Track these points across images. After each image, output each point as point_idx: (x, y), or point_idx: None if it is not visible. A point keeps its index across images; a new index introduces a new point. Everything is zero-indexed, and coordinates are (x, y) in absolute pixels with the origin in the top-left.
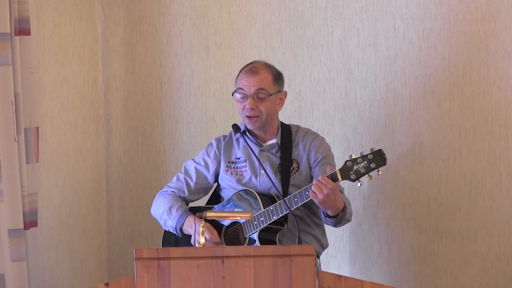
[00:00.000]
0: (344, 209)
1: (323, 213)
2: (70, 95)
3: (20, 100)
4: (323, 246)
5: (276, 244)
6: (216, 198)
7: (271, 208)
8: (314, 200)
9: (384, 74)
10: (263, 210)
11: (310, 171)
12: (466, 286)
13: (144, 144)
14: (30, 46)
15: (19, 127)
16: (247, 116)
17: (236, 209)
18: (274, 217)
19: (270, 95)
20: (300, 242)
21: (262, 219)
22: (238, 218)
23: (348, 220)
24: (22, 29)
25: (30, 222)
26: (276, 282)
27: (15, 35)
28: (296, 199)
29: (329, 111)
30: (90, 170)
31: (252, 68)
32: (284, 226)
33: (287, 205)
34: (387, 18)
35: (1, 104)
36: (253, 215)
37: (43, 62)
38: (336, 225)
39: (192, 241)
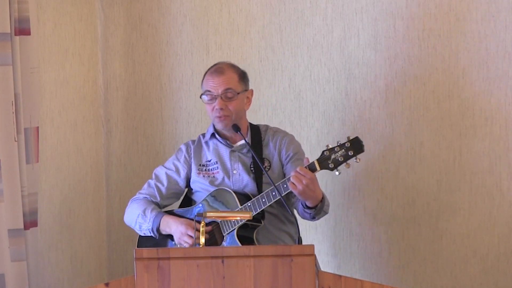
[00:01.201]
0: (322, 199)
1: (302, 204)
2: (70, 95)
3: (20, 100)
4: (296, 242)
5: (253, 241)
6: (187, 202)
7: (249, 204)
8: (293, 191)
9: (384, 74)
10: (240, 207)
11: (282, 168)
12: (466, 286)
13: (144, 144)
14: (30, 46)
15: (19, 127)
16: (217, 117)
17: (211, 209)
18: (238, 217)
19: (238, 93)
20: (300, 243)
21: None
22: (238, 218)
23: (326, 212)
24: (22, 29)
25: (30, 222)
26: (276, 282)
27: (15, 35)
28: (274, 193)
29: (329, 111)
30: (90, 170)
31: (217, 69)
32: (261, 222)
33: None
34: (387, 18)
35: (1, 104)
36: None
37: (43, 62)
38: (314, 216)
39: (176, 241)
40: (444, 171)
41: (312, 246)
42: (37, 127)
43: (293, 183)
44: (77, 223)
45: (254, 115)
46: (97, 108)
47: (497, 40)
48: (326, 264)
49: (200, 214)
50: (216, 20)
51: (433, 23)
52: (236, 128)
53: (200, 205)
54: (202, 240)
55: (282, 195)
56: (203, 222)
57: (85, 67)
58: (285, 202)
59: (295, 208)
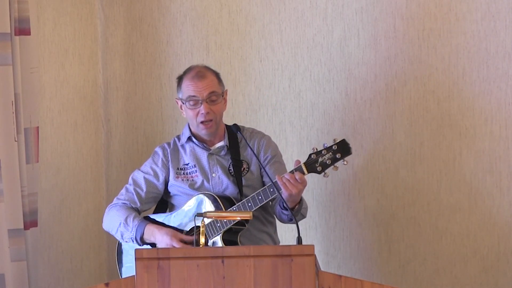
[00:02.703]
0: (300, 201)
1: (280, 206)
2: (70, 95)
3: (20, 100)
4: (276, 242)
5: (238, 244)
6: (162, 206)
7: (234, 208)
8: (285, 193)
9: (384, 74)
10: (224, 211)
11: (260, 170)
12: (466, 286)
13: (144, 144)
14: (30, 46)
15: (19, 127)
16: (203, 122)
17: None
18: (238, 218)
19: (222, 95)
20: (300, 243)
21: (225, 220)
22: (238, 218)
23: (304, 215)
24: (22, 29)
25: (30, 222)
26: (276, 282)
27: (15, 35)
28: (260, 197)
29: (329, 111)
30: (90, 170)
31: (198, 73)
32: (245, 226)
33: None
34: (387, 18)
35: (1, 104)
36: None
37: (43, 62)
38: (291, 219)
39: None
40: (444, 171)
41: (312, 246)
42: (37, 127)
43: (287, 187)
44: (77, 223)
45: (254, 115)
46: (97, 108)
47: (497, 40)
48: (326, 264)
49: (200, 214)
50: (216, 20)
51: (433, 23)
52: (236, 128)
53: (183, 210)
54: (202, 240)
55: (268, 199)
56: (203, 222)
57: (85, 67)
58: (269, 204)
59: (273, 210)
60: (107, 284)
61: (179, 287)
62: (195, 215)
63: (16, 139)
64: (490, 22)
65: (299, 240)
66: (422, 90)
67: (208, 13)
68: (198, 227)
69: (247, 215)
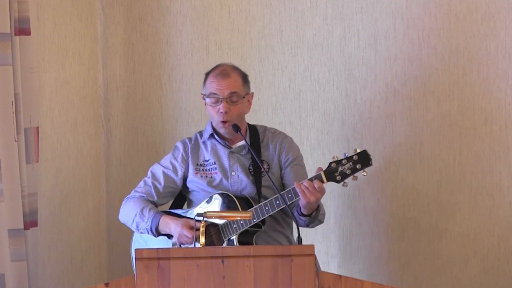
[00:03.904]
0: (318, 208)
1: (297, 211)
2: (70, 95)
3: (20, 100)
4: (292, 243)
5: (252, 245)
6: (180, 201)
7: (251, 210)
8: (303, 200)
9: (384, 74)
10: (224, 211)
11: (281, 171)
12: (466, 286)
13: (144, 144)
14: (30, 46)
15: (19, 127)
16: (221, 121)
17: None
18: (254, 220)
19: (243, 97)
20: (300, 243)
21: (241, 222)
22: (238, 218)
23: (321, 221)
24: (22, 29)
25: (30, 222)
26: (276, 282)
27: (15, 35)
28: (278, 202)
29: (329, 111)
30: (90, 170)
31: (222, 72)
32: (261, 228)
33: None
34: (387, 18)
35: (1, 104)
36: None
37: (43, 62)
38: (309, 224)
39: (176, 241)
40: (444, 171)
41: (312, 246)
42: (37, 127)
43: (305, 194)
44: (77, 223)
45: (254, 115)
46: (97, 108)
47: (497, 40)
48: (326, 264)
49: (200, 214)
50: (216, 20)
51: (433, 23)
52: (236, 128)
53: (200, 207)
54: (202, 240)
55: (288, 204)
56: (203, 222)
57: (85, 67)
58: (290, 210)
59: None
60: (107, 284)
61: (179, 287)
62: (195, 215)
63: (16, 139)
64: (490, 22)
65: (299, 240)
66: (422, 90)
67: (208, 13)
68: (216, 224)
69: (247, 215)
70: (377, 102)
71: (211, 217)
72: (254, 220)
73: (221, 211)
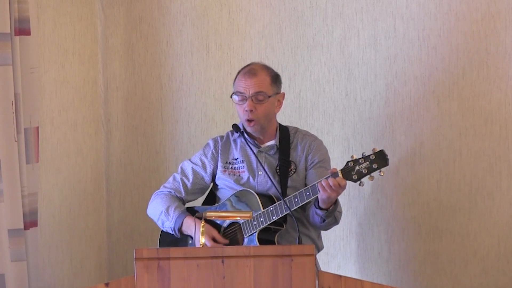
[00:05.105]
0: (336, 202)
1: (315, 205)
2: (70, 95)
3: (20, 100)
4: (319, 248)
5: (275, 244)
6: (212, 198)
7: (271, 208)
8: (323, 195)
9: (384, 74)
10: (262, 210)
11: (306, 172)
12: (466, 286)
13: (144, 144)
14: (30, 46)
15: (19, 127)
16: (247, 120)
17: (234, 210)
18: (274, 218)
19: (269, 97)
20: (300, 242)
21: (261, 219)
22: (238, 218)
23: (336, 219)
24: (22, 29)
25: (30, 222)
26: (276, 282)
27: (15, 35)
28: (296, 199)
29: (329, 111)
30: (90, 170)
31: (250, 70)
32: (283, 226)
33: (287, 205)
34: (387, 18)
35: (1, 104)
36: (253, 215)
37: (43, 62)
38: (325, 219)
39: (197, 244)
40: (444, 171)
41: (312, 246)
42: (37, 127)
43: (326, 190)
44: (77, 223)
45: None
46: (97, 108)
47: (497, 40)
48: (326, 264)
49: (200, 214)
50: (216, 20)
51: (433, 23)
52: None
53: (224, 204)
54: (202, 240)
55: (304, 202)
56: (203, 222)
57: (85, 67)
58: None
59: (307, 213)
60: (107, 284)
61: (179, 287)
62: (195, 215)
63: (16, 139)
64: (490, 22)
65: (299, 240)
66: (422, 90)
67: (208, 13)
68: (237, 223)
69: (247, 215)
70: (377, 102)
71: (211, 217)
72: (274, 218)
73: (221, 211)
